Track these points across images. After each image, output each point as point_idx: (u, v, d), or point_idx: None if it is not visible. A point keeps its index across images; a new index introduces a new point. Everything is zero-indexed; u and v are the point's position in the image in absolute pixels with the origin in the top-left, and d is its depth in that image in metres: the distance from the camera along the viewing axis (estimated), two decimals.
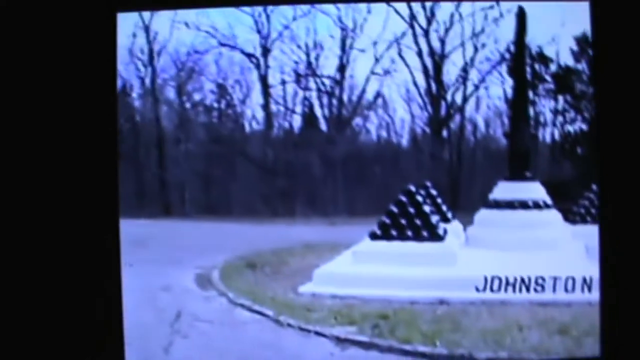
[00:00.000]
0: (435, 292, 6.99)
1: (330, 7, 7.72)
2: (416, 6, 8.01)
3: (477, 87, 8.60)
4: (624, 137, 5.61)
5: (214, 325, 6.67)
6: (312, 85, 8.46)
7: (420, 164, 8.60)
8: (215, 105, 8.53)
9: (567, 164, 8.82)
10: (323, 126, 8.66)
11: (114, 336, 5.59)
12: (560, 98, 8.83)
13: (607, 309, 5.71)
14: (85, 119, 5.49)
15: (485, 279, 6.95)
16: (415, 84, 8.46)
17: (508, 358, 6.09)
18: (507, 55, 8.54)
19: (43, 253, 5.43)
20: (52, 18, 5.46)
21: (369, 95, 8.55)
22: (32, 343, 5.45)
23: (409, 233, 7.81)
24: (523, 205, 8.47)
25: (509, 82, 8.59)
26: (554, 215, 8.44)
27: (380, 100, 8.63)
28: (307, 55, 8.24)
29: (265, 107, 8.37)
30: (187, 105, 8.42)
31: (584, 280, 6.89)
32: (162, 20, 7.22)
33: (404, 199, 7.92)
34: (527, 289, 6.85)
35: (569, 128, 8.90)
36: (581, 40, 8.55)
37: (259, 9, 7.54)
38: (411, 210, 7.87)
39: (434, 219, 7.98)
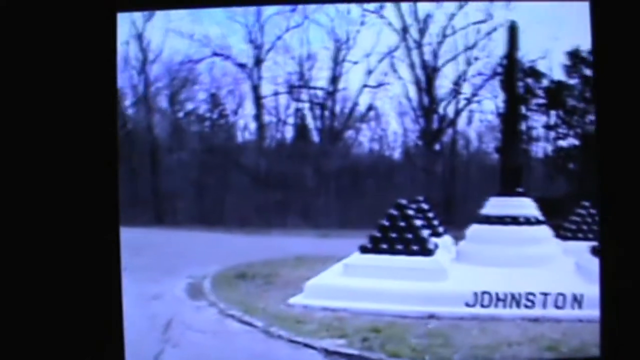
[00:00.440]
0: (426, 307, 7.00)
1: (323, 19, 7.73)
2: (409, 19, 8.04)
3: (469, 101, 8.63)
4: (624, 140, 5.63)
5: (204, 335, 6.67)
6: (304, 96, 8.48)
7: (413, 178, 8.60)
8: (208, 115, 8.53)
9: (559, 180, 8.84)
10: (315, 138, 8.69)
11: (114, 343, 5.63)
12: (553, 113, 8.86)
13: (607, 309, 5.72)
14: (85, 119, 5.50)
15: (476, 295, 6.97)
16: (407, 97, 8.49)
17: None
18: (500, 69, 8.56)
19: (45, 259, 5.45)
20: (51, 18, 5.47)
21: (362, 107, 8.57)
22: (31, 348, 5.47)
23: (400, 247, 7.81)
24: (514, 220, 8.48)
25: (502, 96, 8.62)
26: (545, 231, 8.46)
27: (372, 113, 8.65)
28: (300, 66, 8.25)
29: (258, 117, 8.37)
30: (180, 114, 8.41)
31: (574, 297, 6.91)
32: (155, 28, 7.22)
33: (394, 212, 7.93)
34: (518, 305, 6.87)
35: (561, 143, 8.93)
36: (573, 55, 8.60)
37: (252, 19, 7.56)
38: (402, 224, 7.87)
39: (425, 233, 7.98)
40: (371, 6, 7.61)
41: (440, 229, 8.59)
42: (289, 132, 8.57)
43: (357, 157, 8.92)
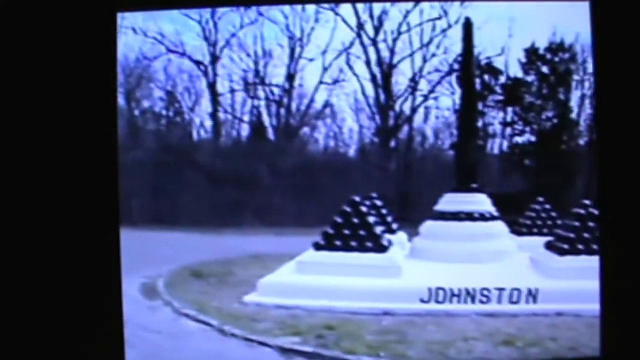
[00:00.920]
0: (380, 303, 6.97)
1: (278, 15, 7.72)
2: (364, 15, 8.05)
3: (426, 98, 8.64)
4: (624, 138, 5.63)
5: (159, 335, 6.62)
6: (260, 93, 8.46)
7: (368, 175, 8.60)
8: (164, 112, 8.48)
9: (514, 176, 8.87)
10: (271, 135, 8.67)
11: (114, 344, 5.62)
12: (509, 109, 8.89)
13: (607, 309, 5.73)
14: (84, 119, 5.48)
15: (430, 290, 6.98)
16: (363, 93, 8.50)
17: None
18: (456, 66, 8.58)
19: (45, 259, 5.43)
20: (51, 18, 5.44)
21: (318, 104, 8.58)
22: (31, 348, 5.45)
23: (353, 243, 7.78)
24: (469, 216, 8.49)
25: (459, 92, 8.63)
26: (500, 226, 8.52)
27: (328, 110, 8.65)
28: (256, 63, 8.23)
29: (214, 115, 8.34)
30: (136, 112, 8.36)
31: (529, 291, 6.94)
32: None
33: (348, 209, 7.90)
34: (473, 300, 6.88)
35: (517, 139, 8.96)
36: (530, 52, 8.63)
37: (207, 15, 7.53)
38: (355, 220, 7.85)
39: (378, 229, 7.95)
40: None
41: (395, 226, 8.60)
42: (244, 130, 8.56)
43: (313, 154, 8.91)
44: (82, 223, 5.49)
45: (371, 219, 7.93)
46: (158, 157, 8.12)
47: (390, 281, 7.39)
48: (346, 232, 7.80)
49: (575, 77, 8.66)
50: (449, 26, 8.36)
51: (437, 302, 6.94)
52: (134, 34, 7.29)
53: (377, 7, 8.02)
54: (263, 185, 8.01)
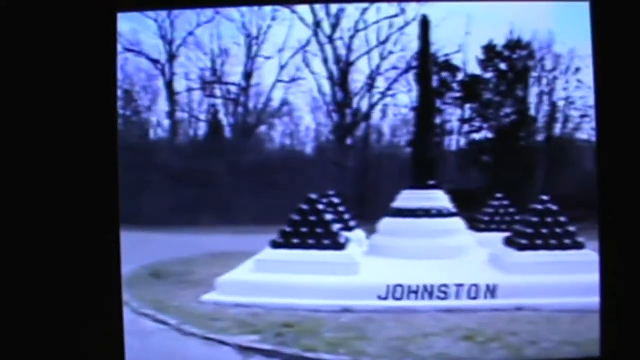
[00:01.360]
0: (339, 301, 6.99)
1: (234, 13, 7.68)
2: (321, 13, 8.03)
3: (383, 95, 8.64)
4: (624, 140, 5.65)
5: None
6: (217, 92, 8.43)
7: (326, 172, 8.60)
8: (121, 111, 8.43)
9: (472, 172, 8.90)
10: (228, 134, 8.64)
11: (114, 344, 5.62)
12: (467, 106, 8.91)
13: (607, 309, 5.75)
14: (84, 118, 5.46)
15: (388, 287, 6.99)
16: (320, 91, 8.49)
17: None
18: (414, 63, 8.59)
19: (45, 259, 5.42)
20: (51, 18, 5.43)
21: (275, 102, 8.55)
22: (31, 347, 5.44)
23: (311, 241, 7.81)
24: (426, 213, 8.53)
25: (416, 90, 8.65)
26: (458, 223, 8.56)
27: (285, 108, 8.64)
28: (213, 62, 8.21)
29: (171, 114, 8.30)
30: None
31: (488, 286, 6.97)
32: None
33: (305, 207, 7.93)
34: (431, 297, 6.89)
35: (475, 136, 8.98)
36: (488, 49, 8.66)
37: (163, 14, 7.49)
38: (312, 218, 7.87)
39: (336, 227, 7.99)
40: None
41: (352, 223, 8.63)
42: (202, 129, 8.52)
43: (270, 152, 8.89)
44: (82, 223, 5.51)
45: (328, 217, 7.96)
46: None
47: (348, 278, 7.42)
48: (303, 229, 7.81)
49: (533, 73, 8.70)
50: (406, 23, 8.36)
51: (395, 298, 6.96)
52: None
53: (333, 5, 8.02)
54: (221, 183, 7.98)
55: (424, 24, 8.28)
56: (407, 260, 7.85)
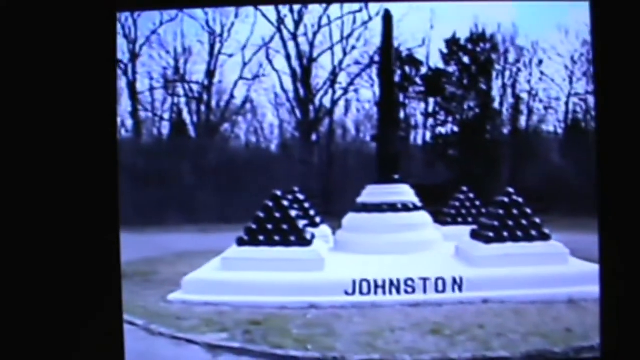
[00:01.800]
0: (305, 297, 6.99)
1: (198, 12, 7.65)
2: (284, 10, 8.01)
3: (346, 91, 8.65)
4: (624, 140, 5.64)
5: None
6: (180, 91, 8.41)
7: (290, 169, 8.58)
8: None
9: (438, 166, 8.91)
10: (192, 133, 8.62)
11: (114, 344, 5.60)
12: (431, 100, 8.93)
13: (607, 308, 5.74)
14: (84, 118, 5.43)
15: (354, 283, 6.98)
16: (283, 88, 8.48)
17: (381, 359, 6.11)
18: (377, 58, 8.60)
19: (45, 259, 5.39)
20: (51, 17, 5.41)
21: (238, 100, 8.54)
22: (30, 347, 5.41)
23: (277, 238, 7.76)
24: (392, 207, 8.52)
25: (379, 84, 8.65)
26: (424, 217, 8.58)
27: (249, 106, 8.62)
28: (176, 60, 8.18)
29: (134, 114, 8.26)
30: None
31: (454, 280, 6.97)
32: None
33: (270, 204, 7.89)
34: (398, 291, 6.89)
35: (440, 130, 9.00)
36: (451, 43, 8.68)
37: (126, 13, 7.45)
38: (277, 215, 7.84)
39: (301, 223, 7.96)
40: None
41: (318, 219, 8.64)
42: (165, 128, 8.50)
43: (235, 150, 8.88)
44: (82, 224, 5.49)
45: (293, 213, 7.93)
46: None
47: (314, 274, 7.40)
48: (269, 226, 7.78)
49: (497, 66, 8.73)
50: (370, 18, 8.38)
51: (362, 294, 6.95)
52: None
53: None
54: (186, 182, 7.96)
55: (387, 18, 8.29)
56: (373, 256, 7.85)
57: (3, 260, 5.48)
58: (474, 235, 8.03)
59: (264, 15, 7.84)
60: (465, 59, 8.81)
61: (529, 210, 7.77)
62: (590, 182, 5.81)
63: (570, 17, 7.06)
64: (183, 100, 8.41)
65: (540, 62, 8.48)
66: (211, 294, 7.14)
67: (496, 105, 8.74)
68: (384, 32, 8.43)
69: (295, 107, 8.55)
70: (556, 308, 6.74)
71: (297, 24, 8.31)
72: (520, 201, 7.82)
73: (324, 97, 8.60)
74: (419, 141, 9.04)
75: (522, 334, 6.32)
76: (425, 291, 6.92)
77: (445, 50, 8.76)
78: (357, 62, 8.63)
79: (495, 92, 8.76)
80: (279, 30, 8.24)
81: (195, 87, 8.41)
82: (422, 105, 8.92)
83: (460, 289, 6.96)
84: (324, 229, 8.64)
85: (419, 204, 8.52)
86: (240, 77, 8.28)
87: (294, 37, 8.38)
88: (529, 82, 8.66)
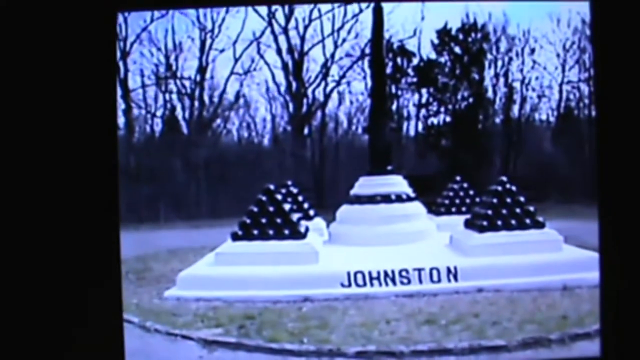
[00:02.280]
0: (299, 290, 6.97)
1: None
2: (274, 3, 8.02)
3: (338, 83, 8.65)
4: (624, 140, 5.63)
5: None
6: (172, 87, 8.41)
7: (283, 163, 8.59)
8: None
9: (431, 157, 8.91)
10: (184, 129, 8.62)
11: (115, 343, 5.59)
12: (424, 91, 8.93)
13: (608, 308, 5.73)
14: (84, 118, 5.43)
15: (349, 275, 6.98)
16: (275, 82, 8.48)
17: (376, 351, 6.11)
18: (368, 50, 8.60)
19: (46, 259, 5.39)
20: (52, 17, 5.39)
21: (230, 95, 8.54)
22: (31, 346, 5.41)
23: (270, 232, 7.74)
24: (385, 199, 8.50)
25: (371, 76, 8.65)
26: (417, 207, 8.55)
27: (241, 101, 8.62)
28: (167, 57, 8.18)
29: (126, 111, 8.25)
30: None
31: (449, 270, 6.97)
32: None
33: (263, 198, 7.87)
34: (393, 282, 6.89)
35: (433, 120, 9.01)
36: (442, 33, 8.69)
37: None
38: (271, 209, 7.82)
39: (295, 216, 7.94)
40: None
41: (311, 212, 8.60)
42: (157, 125, 8.49)
43: (226, 145, 8.88)
44: (83, 223, 5.47)
45: (287, 207, 7.91)
46: None
47: (308, 267, 7.39)
48: (263, 220, 7.76)
49: (489, 56, 8.73)
50: (360, 11, 8.39)
51: (357, 285, 6.95)
52: None
53: None
54: (178, 179, 7.97)
55: (378, 10, 8.28)
56: (367, 247, 7.83)
57: (2, 257, 5.49)
58: (468, 224, 8.02)
59: (255, 10, 7.85)
60: (457, 49, 8.82)
61: (522, 199, 7.77)
62: (583, 169, 5.82)
63: (561, 5, 7.06)
64: (175, 96, 8.42)
65: (532, 50, 8.50)
66: (205, 289, 7.12)
67: (489, 94, 8.75)
68: (375, 24, 8.42)
69: (288, 101, 8.56)
70: (551, 295, 6.74)
71: (288, 17, 8.32)
72: (514, 189, 7.82)
73: (316, 90, 8.61)
74: (412, 132, 9.05)
75: (517, 322, 6.32)
76: (420, 281, 6.93)
77: (436, 41, 8.77)
78: (348, 55, 8.65)
79: (488, 82, 8.77)
80: (270, 24, 8.25)
81: (187, 83, 8.42)
82: (415, 96, 8.93)
83: (455, 279, 6.97)
84: (318, 221, 8.61)
85: (412, 195, 8.51)
86: (232, 72, 8.29)
87: (285, 31, 8.38)
88: (521, 71, 8.67)
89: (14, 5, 5.41)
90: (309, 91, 8.56)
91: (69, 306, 5.45)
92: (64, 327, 5.44)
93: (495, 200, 7.82)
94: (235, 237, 7.68)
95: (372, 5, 8.15)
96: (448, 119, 8.92)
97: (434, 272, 6.96)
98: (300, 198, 8.47)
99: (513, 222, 7.71)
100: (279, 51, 8.40)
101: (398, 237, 8.01)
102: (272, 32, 8.30)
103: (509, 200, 7.79)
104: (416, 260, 7.07)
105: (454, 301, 6.78)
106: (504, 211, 7.75)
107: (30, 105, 5.38)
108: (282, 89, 8.51)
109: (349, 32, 8.53)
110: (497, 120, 8.86)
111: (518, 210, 7.75)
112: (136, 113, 8.29)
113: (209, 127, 8.69)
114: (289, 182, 8.36)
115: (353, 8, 8.38)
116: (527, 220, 7.71)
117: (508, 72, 8.71)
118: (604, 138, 5.63)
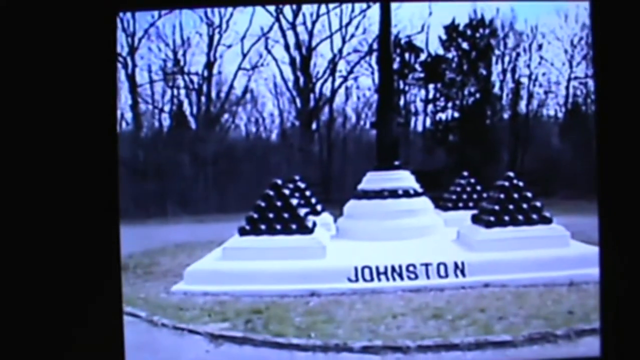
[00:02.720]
0: (306, 285, 6.97)
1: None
2: None
3: (345, 78, 8.66)
4: (624, 140, 5.63)
5: None
6: (180, 83, 8.42)
7: (291, 158, 8.60)
8: None
9: (438, 152, 8.91)
10: (192, 124, 8.63)
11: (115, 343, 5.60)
12: (431, 86, 8.94)
13: (608, 307, 5.73)
14: (84, 118, 5.44)
15: (356, 270, 6.99)
16: (283, 77, 8.49)
17: (383, 345, 6.11)
18: (376, 46, 8.60)
19: (46, 258, 5.40)
20: (52, 18, 5.40)
21: (238, 91, 8.55)
22: (31, 346, 5.42)
23: (278, 226, 7.75)
24: (392, 194, 8.50)
25: (378, 72, 8.66)
26: (425, 202, 8.56)
27: (248, 96, 8.63)
28: (175, 53, 8.19)
29: (134, 106, 8.27)
30: None
31: (456, 265, 6.98)
32: None
33: (271, 192, 7.88)
34: (401, 277, 6.90)
35: (440, 116, 9.01)
36: (450, 29, 8.69)
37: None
38: (278, 203, 7.83)
39: (302, 211, 7.95)
40: None
41: (319, 207, 8.62)
42: (165, 120, 8.50)
43: (234, 140, 8.89)
44: (82, 221, 5.48)
45: (294, 201, 7.91)
46: None
47: (316, 262, 7.40)
48: (270, 215, 7.77)
49: (496, 51, 8.74)
50: (368, 6, 8.38)
51: (364, 280, 6.95)
52: None
53: None
54: (186, 174, 7.98)
55: (385, 6, 8.28)
56: (374, 242, 7.82)
57: (4, 254, 5.50)
58: (475, 219, 8.02)
59: (263, 6, 7.85)
60: (465, 45, 8.82)
61: (529, 194, 7.77)
62: (590, 165, 5.80)
63: (569, 1, 7.06)
64: (183, 92, 8.43)
65: (540, 46, 8.50)
66: (213, 284, 7.14)
67: (496, 90, 8.75)
68: (382, 19, 8.42)
69: (296, 96, 8.57)
70: (557, 291, 6.75)
71: (296, 13, 8.32)
72: (521, 185, 7.83)
73: (324, 85, 8.62)
74: (419, 127, 9.06)
75: (524, 317, 6.32)
76: (427, 277, 6.94)
77: (444, 37, 8.77)
78: (356, 50, 8.65)
79: (495, 77, 8.77)
80: (278, 20, 8.26)
81: (195, 79, 8.43)
82: (422, 91, 8.93)
83: (462, 274, 6.98)
84: (325, 216, 8.62)
85: (419, 190, 8.51)
86: (240, 68, 8.30)
87: (293, 26, 8.39)
88: (528, 66, 8.67)
89: (14, 5, 5.43)
90: (317, 86, 8.57)
91: (68, 304, 5.46)
92: (63, 324, 5.46)
93: (502, 196, 7.83)
94: (242, 232, 7.69)
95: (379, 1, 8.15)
96: (455, 114, 8.93)
97: (442, 267, 6.97)
98: (307, 193, 8.47)
99: (520, 217, 7.71)
100: (286, 47, 8.42)
101: (405, 232, 8.01)
102: (280, 27, 8.31)
103: (516, 195, 7.80)
104: (423, 255, 7.07)
105: (460, 296, 6.78)
106: (511, 207, 7.75)
107: (30, 105, 5.39)
108: (290, 84, 8.52)
109: (356, 27, 8.55)
110: (505, 115, 8.86)
111: (525, 205, 7.76)
112: (144, 108, 8.31)
113: (216, 122, 8.70)
114: (297, 177, 8.37)
115: (361, 4, 8.38)
116: (534, 216, 7.71)
117: (515, 67, 8.72)
118: (603, 138, 5.64)
